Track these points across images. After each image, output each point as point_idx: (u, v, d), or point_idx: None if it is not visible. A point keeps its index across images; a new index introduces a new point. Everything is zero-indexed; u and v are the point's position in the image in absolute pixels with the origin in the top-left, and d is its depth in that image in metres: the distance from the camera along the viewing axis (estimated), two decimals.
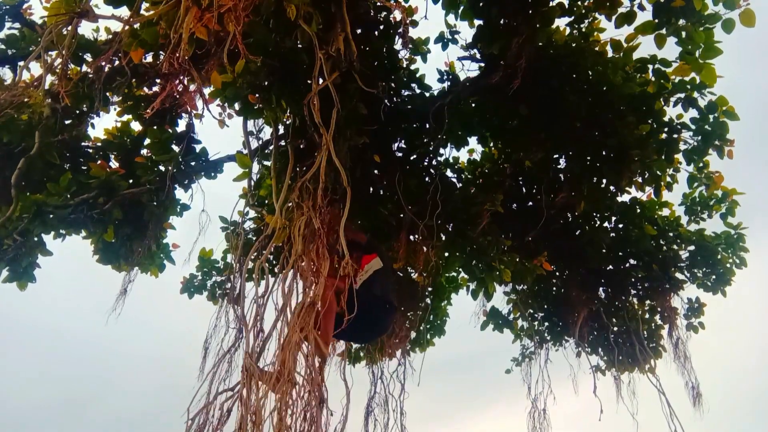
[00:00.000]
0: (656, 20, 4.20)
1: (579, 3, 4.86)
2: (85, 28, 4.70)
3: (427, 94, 5.29)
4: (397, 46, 4.87)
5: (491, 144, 6.04)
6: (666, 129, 5.07)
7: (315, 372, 2.90)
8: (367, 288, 3.72)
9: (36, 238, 4.55)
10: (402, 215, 5.16)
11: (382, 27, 4.76)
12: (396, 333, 5.90)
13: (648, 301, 6.43)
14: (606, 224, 6.16)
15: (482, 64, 5.13)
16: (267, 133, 4.89)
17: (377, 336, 4.33)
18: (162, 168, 4.98)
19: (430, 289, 6.50)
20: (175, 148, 5.04)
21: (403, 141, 5.46)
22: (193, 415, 2.79)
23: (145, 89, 5.08)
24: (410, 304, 6.12)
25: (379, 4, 4.70)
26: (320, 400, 2.81)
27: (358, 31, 4.54)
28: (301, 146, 4.40)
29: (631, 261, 6.27)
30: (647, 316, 6.52)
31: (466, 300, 6.23)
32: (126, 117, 5.18)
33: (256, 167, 5.04)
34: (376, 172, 5.26)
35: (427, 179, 5.46)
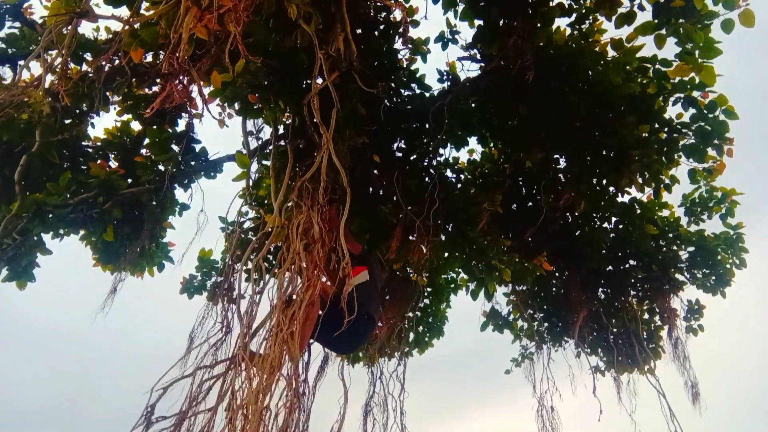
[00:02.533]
0: (656, 20, 4.20)
1: (580, 3, 4.85)
2: (85, 28, 4.71)
3: (427, 94, 5.29)
4: (397, 45, 4.87)
5: (491, 144, 6.03)
6: (666, 129, 5.07)
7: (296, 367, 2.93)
8: (349, 298, 3.70)
9: (35, 238, 4.56)
10: (402, 215, 5.16)
11: (382, 27, 4.76)
12: (394, 333, 5.90)
13: (648, 302, 6.43)
14: (606, 224, 6.16)
15: (482, 64, 5.13)
16: (266, 133, 4.89)
17: (354, 346, 4.22)
18: (161, 168, 4.98)
19: (429, 289, 6.50)
20: (175, 147, 5.04)
21: (402, 141, 5.45)
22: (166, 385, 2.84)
23: (145, 89, 5.08)
24: (408, 304, 6.12)
25: (379, 4, 4.70)
26: (296, 394, 2.83)
27: (358, 31, 4.53)
28: (301, 146, 4.39)
29: (631, 261, 6.27)
30: (647, 316, 6.52)
31: (464, 297, 6.24)
32: (126, 116, 5.18)
33: (255, 167, 5.05)
34: (375, 172, 5.25)
35: (426, 179, 5.46)
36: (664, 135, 5.08)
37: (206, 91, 4.26)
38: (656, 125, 5.05)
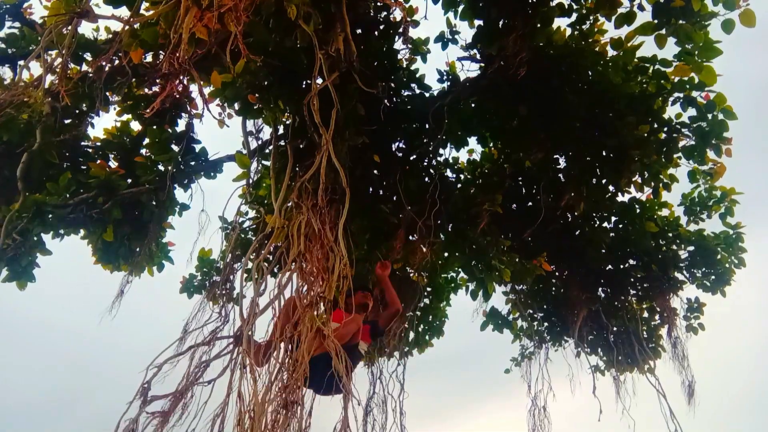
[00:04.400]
0: (656, 20, 4.21)
1: (580, 3, 4.85)
2: (85, 28, 4.71)
3: (427, 94, 5.29)
4: (397, 46, 4.87)
5: (491, 144, 6.03)
6: (666, 129, 5.07)
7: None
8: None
9: (35, 238, 4.56)
10: (402, 215, 5.16)
11: (382, 27, 4.75)
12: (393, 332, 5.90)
13: (647, 301, 6.43)
14: (606, 224, 6.16)
15: (482, 64, 5.13)
16: (266, 133, 4.90)
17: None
18: (161, 168, 4.98)
19: (428, 289, 6.50)
20: (175, 148, 5.04)
21: (402, 141, 5.45)
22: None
23: (145, 89, 5.08)
24: (408, 304, 6.11)
25: (379, 4, 4.69)
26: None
27: (358, 31, 4.53)
28: (301, 146, 4.39)
29: (631, 261, 6.28)
30: (646, 315, 6.53)
31: (463, 296, 6.25)
32: (126, 117, 5.18)
33: (255, 167, 5.05)
34: (375, 172, 5.25)
35: (426, 179, 5.46)
36: (664, 135, 5.08)
37: (206, 91, 4.26)
38: (656, 125, 5.05)
